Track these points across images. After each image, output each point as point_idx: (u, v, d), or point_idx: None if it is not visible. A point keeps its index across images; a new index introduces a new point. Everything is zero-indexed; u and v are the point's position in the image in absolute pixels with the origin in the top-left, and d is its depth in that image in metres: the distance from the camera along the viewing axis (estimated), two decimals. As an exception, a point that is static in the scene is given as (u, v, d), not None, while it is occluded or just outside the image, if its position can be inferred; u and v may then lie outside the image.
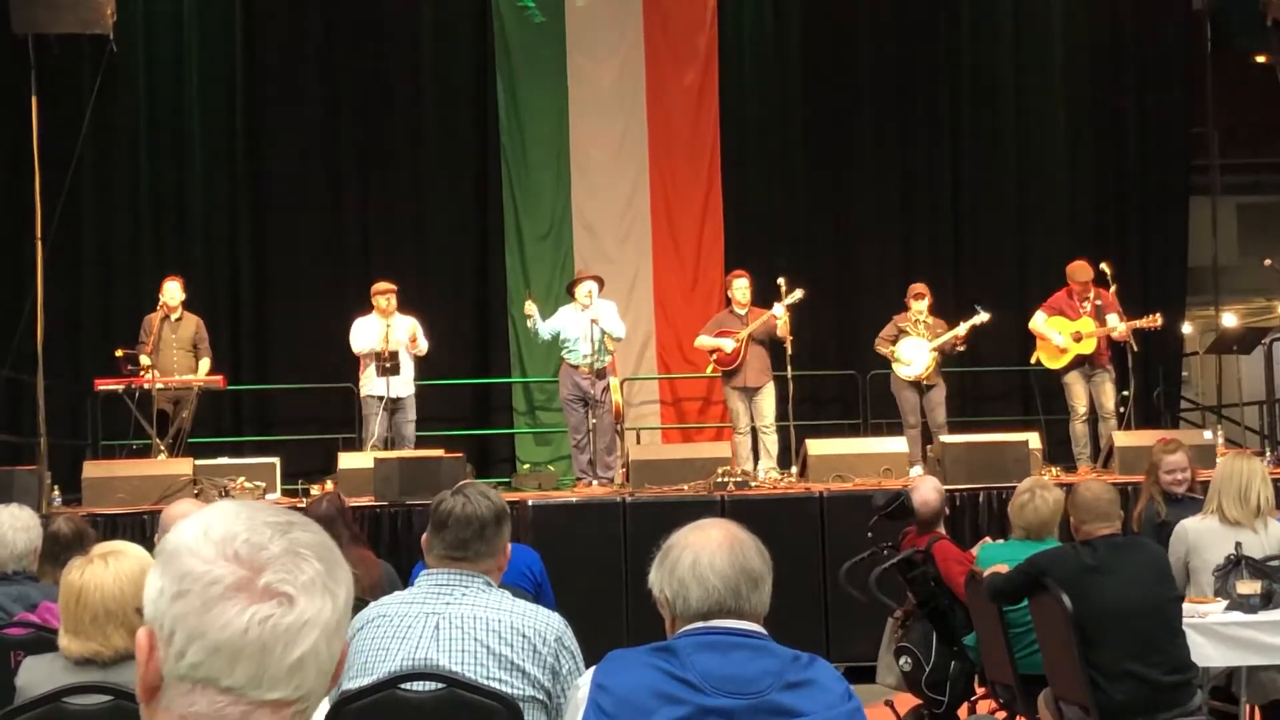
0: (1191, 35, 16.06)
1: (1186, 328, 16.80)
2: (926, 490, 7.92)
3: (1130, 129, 16.54)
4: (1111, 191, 16.55)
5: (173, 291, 12.78)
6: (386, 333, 12.56)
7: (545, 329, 12.80)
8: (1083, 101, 16.43)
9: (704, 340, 13.21)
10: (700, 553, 3.04)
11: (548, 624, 3.84)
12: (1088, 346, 12.76)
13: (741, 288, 13.07)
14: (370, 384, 12.70)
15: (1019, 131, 16.35)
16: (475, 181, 15.78)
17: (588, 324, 12.55)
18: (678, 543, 3.09)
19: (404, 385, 12.75)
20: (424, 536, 4.10)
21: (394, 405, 12.71)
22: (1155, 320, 12.88)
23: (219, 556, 1.55)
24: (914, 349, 13.03)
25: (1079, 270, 12.88)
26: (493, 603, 3.89)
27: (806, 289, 12.89)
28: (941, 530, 7.88)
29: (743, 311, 13.03)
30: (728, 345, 12.93)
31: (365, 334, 12.73)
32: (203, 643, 1.53)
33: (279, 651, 1.53)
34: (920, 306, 13.10)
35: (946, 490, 8.42)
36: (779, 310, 12.74)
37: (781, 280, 12.80)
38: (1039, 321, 13.00)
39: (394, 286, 12.85)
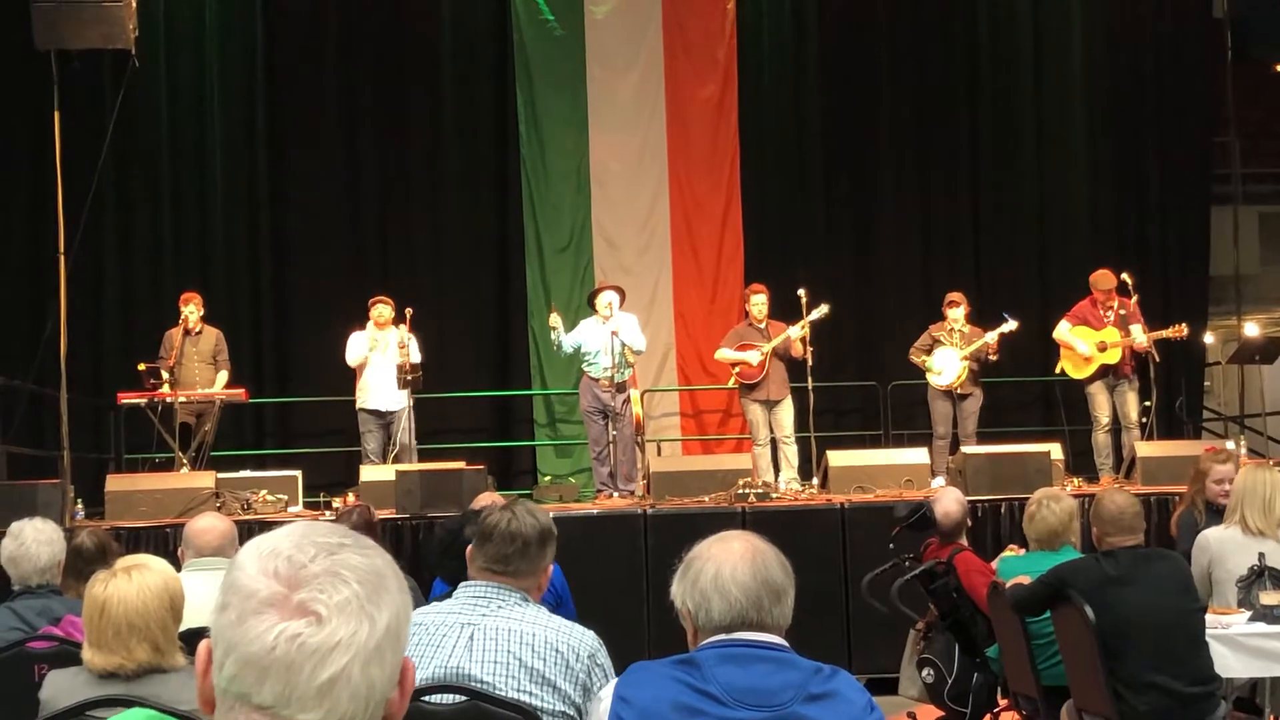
0: (1212, 44, 16.01)
1: (1209, 338, 16.75)
2: (948, 501, 7.91)
3: (1151, 138, 16.50)
4: (1133, 201, 16.52)
5: (191, 308, 12.84)
6: (373, 345, 12.63)
7: (568, 341, 12.81)
8: (1103, 110, 16.40)
9: (726, 354, 13.21)
10: (722, 565, 3.04)
11: (581, 640, 3.85)
12: (1112, 356, 12.73)
13: (759, 303, 13.09)
14: (364, 397, 12.76)
15: (1040, 141, 16.32)
16: (495, 194, 15.81)
17: (608, 336, 12.55)
18: (700, 555, 3.10)
19: (398, 399, 12.74)
20: (469, 548, 4.12)
21: (386, 419, 12.76)
22: (1181, 330, 12.87)
23: (260, 572, 1.56)
24: (946, 358, 13.03)
25: (1102, 279, 12.85)
26: (528, 616, 3.89)
27: (829, 301, 12.89)
28: (964, 542, 7.87)
29: (761, 325, 13.04)
30: (753, 358, 12.95)
31: (358, 346, 12.77)
32: (236, 656, 1.54)
33: (307, 671, 1.52)
34: (956, 315, 13.11)
35: (968, 501, 8.41)
36: (795, 332, 12.77)
37: (802, 291, 12.82)
38: (1063, 330, 12.97)
39: (387, 299, 12.86)
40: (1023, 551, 7.42)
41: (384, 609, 1.58)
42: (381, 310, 12.82)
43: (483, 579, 4.01)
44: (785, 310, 13.03)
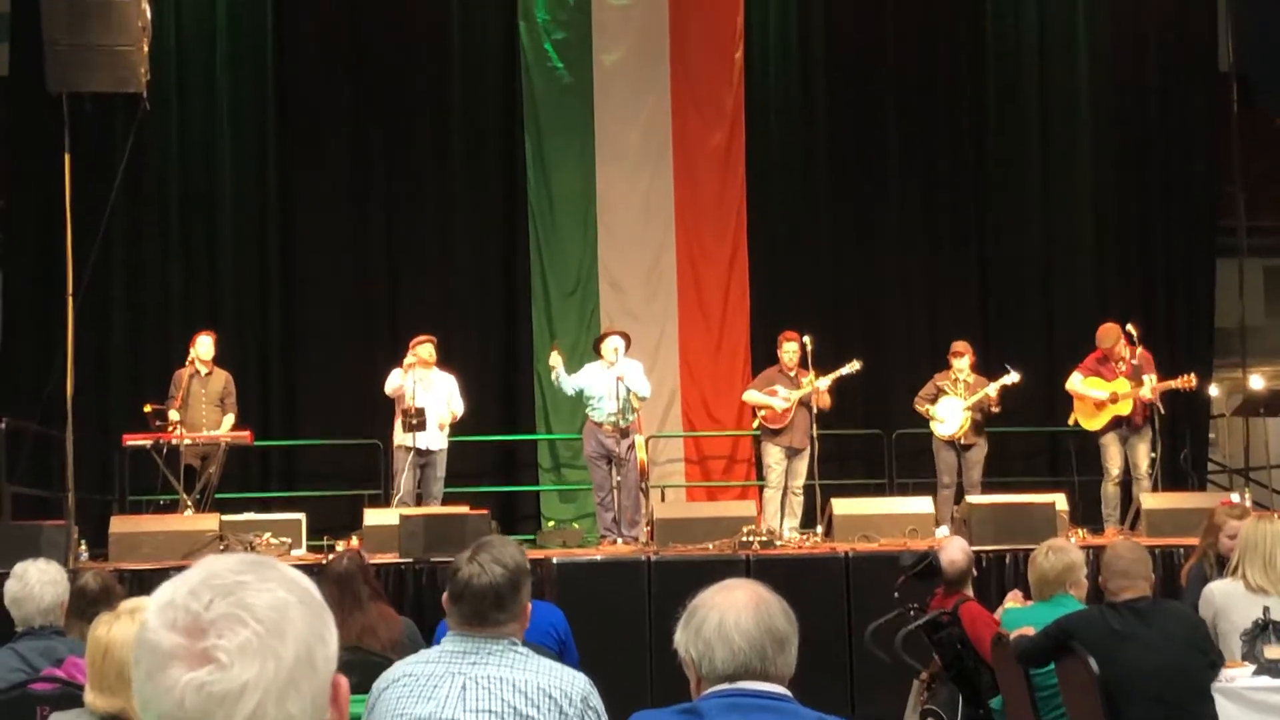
0: (1218, 97, 16.07)
1: (1214, 390, 16.74)
2: (954, 550, 7.90)
3: (1157, 190, 16.54)
4: (1138, 253, 16.54)
5: (205, 346, 12.87)
6: (415, 388, 12.59)
7: (569, 383, 12.82)
8: (1109, 162, 16.45)
9: (754, 396, 13.28)
10: (726, 613, 3.04)
11: (573, 684, 3.84)
12: (1124, 407, 12.73)
13: (791, 350, 13.13)
14: (401, 434, 12.73)
15: (1046, 191, 16.36)
16: (502, 238, 15.85)
17: (613, 381, 12.57)
18: (704, 603, 3.09)
19: (436, 439, 12.76)
20: (444, 596, 4.09)
21: (424, 459, 12.73)
22: (1190, 381, 12.87)
23: (161, 625, 1.56)
24: (950, 408, 13.05)
25: (1107, 334, 12.87)
26: (519, 664, 3.88)
27: (832, 347, 12.95)
28: (969, 592, 7.85)
29: (792, 373, 13.08)
30: (779, 404, 12.97)
31: (396, 380, 12.76)
32: (152, 712, 1.55)
33: (220, 717, 1.52)
34: (960, 365, 13.14)
35: (973, 551, 8.40)
36: (822, 384, 12.82)
37: (808, 339, 12.89)
38: (1076, 382, 12.98)
39: (430, 339, 12.89)
40: (1026, 601, 7.40)
41: (289, 642, 1.57)
42: (428, 350, 12.82)
43: (464, 631, 3.99)
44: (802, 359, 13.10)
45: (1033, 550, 7.24)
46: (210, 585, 1.58)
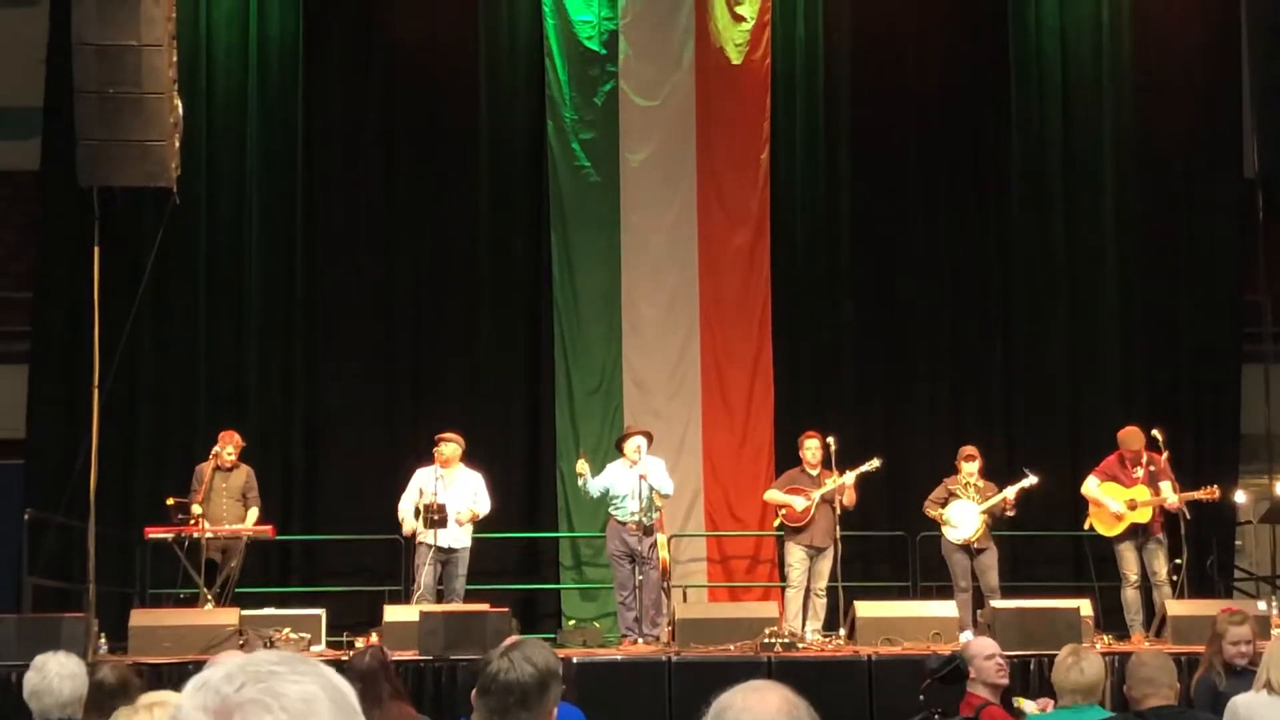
0: (1244, 203, 16.10)
1: (1240, 496, 16.62)
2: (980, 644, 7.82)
3: (1183, 296, 16.52)
4: (1164, 358, 16.50)
5: (229, 444, 12.91)
6: (437, 484, 12.60)
7: (595, 487, 12.84)
8: (1135, 267, 16.44)
9: (775, 495, 13.28)
10: (759, 717, 2.98)
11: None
12: (1143, 515, 12.68)
13: (813, 448, 13.15)
14: (421, 531, 12.70)
15: (1072, 295, 16.35)
16: (527, 335, 15.90)
17: (636, 480, 12.56)
18: (734, 704, 3.02)
19: (458, 537, 12.75)
20: (472, 693, 4.08)
21: (446, 556, 12.70)
22: (1213, 492, 12.82)
23: (193, 708, 1.63)
24: (963, 512, 13.00)
25: (1131, 438, 12.84)
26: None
27: (857, 448, 12.91)
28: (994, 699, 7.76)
29: (814, 472, 13.07)
30: (799, 503, 12.96)
31: (412, 495, 12.78)
32: None
33: None
34: (971, 469, 13.10)
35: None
36: (850, 478, 12.81)
37: (831, 440, 12.88)
38: (1092, 487, 12.93)
39: (455, 436, 12.92)
40: (1050, 706, 7.31)
41: None
42: (451, 448, 12.84)
43: None
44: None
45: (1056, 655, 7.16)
46: (245, 671, 1.64)
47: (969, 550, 13.02)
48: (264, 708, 1.60)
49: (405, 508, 12.88)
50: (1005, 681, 7.52)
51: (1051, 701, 7.58)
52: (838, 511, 12.92)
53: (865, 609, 12.21)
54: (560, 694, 4.10)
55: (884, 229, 16.32)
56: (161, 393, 15.30)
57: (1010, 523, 13.36)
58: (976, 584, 13.03)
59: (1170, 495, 12.55)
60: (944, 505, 13.09)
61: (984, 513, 12.93)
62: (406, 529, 12.88)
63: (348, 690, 1.67)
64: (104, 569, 12.42)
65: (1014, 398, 16.25)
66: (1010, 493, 12.89)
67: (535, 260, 15.87)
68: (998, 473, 13.41)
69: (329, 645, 11.97)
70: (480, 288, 15.79)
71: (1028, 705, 7.84)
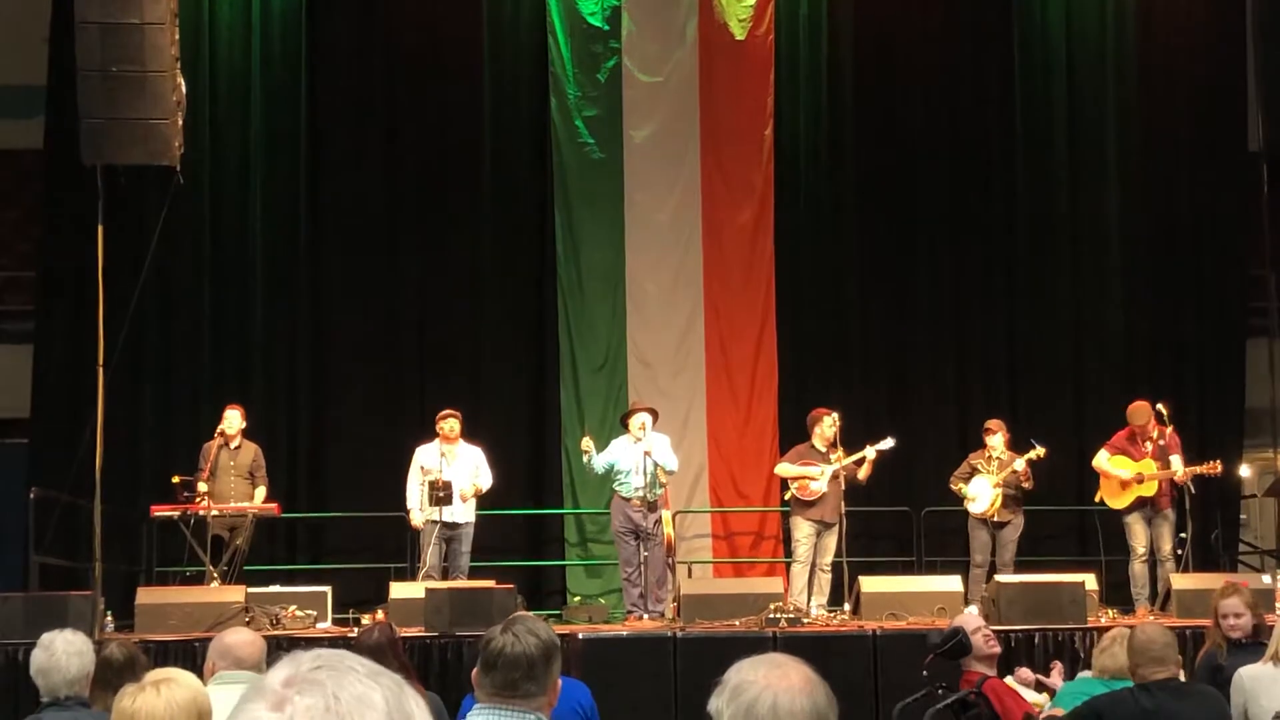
0: (1248, 177, 16.06)
1: (1245, 470, 16.62)
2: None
3: (1187, 270, 16.50)
4: (1169, 333, 16.48)
5: (233, 420, 12.94)
6: (441, 461, 12.62)
7: (600, 463, 12.85)
8: (1139, 242, 16.42)
9: (787, 468, 13.25)
10: (781, 695, 2.96)
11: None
12: (1150, 489, 12.69)
13: (829, 424, 13.10)
14: (427, 507, 12.71)
15: (1076, 271, 16.33)
16: (531, 313, 15.89)
17: (641, 457, 12.57)
18: (755, 680, 2.99)
19: (463, 512, 12.77)
20: (474, 671, 4.09)
21: (451, 532, 12.71)
22: (1215, 467, 12.85)
23: (275, 670, 1.73)
24: (981, 486, 13.05)
25: (1138, 413, 12.85)
26: (544, 737, 3.88)
27: (861, 424, 12.92)
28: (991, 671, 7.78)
29: (824, 448, 13.05)
30: (816, 474, 12.92)
31: (415, 477, 12.81)
32: None
33: None
34: (994, 442, 13.17)
35: (1002, 630, 8.33)
36: (871, 453, 12.82)
37: (836, 416, 12.89)
38: (1103, 460, 12.95)
39: (455, 413, 12.94)
40: (1058, 667, 7.30)
41: None
42: (450, 425, 12.86)
43: (493, 704, 3.98)
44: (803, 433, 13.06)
45: (1063, 630, 7.19)
46: (326, 658, 1.73)
47: (989, 524, 13.06)
48: (320, 690, 1.67)
49: (413, 500, 12.88)
50: (998, 650, 7.56)
51: (1059, 664, 7.62)
52: (844, 488, 12.91)
53: (870, 584, 12.23)
54: (560, 670, 4.12)
55: (888, 205, 16.30)
56: (166, 371, 15.31)
57: (1023, 496, 13.37)
58: (993, 560, 13.07)
59: (1178, 467, 12.57)
60: (966, 480, 13.15)
61: (997, 485, 12.96)
62: (415, 522, 12.87)
63: (416, 715, 1.72)
64: (110, 547, 12.43)
65: (1019, 374, 16.24)
66: (1019, 464, 12.92)
67: (539, 237, 15.87)
68: (1009, 448, 13.39)
69: (335, 622, 12.00)
70: (484, 266, 15.78)
71: (1029, 695, 7.85)
